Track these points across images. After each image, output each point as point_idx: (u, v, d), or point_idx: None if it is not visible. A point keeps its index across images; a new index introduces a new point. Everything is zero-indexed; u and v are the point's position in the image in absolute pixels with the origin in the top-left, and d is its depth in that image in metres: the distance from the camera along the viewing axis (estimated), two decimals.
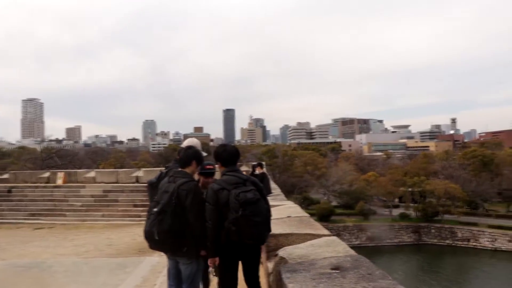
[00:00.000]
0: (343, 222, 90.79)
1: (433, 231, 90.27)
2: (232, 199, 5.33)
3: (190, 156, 6.09)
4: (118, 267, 12.53)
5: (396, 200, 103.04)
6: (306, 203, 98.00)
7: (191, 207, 5.58)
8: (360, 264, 4.47)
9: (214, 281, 7.82)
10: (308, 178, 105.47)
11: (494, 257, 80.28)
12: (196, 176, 6.77)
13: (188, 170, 5.99)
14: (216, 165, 6.27)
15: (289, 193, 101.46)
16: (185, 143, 6.98)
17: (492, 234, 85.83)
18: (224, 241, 5.46)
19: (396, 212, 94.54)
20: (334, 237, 6.16)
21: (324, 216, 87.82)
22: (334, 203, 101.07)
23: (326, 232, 6.76)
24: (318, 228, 7.20)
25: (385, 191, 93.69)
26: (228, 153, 6.01)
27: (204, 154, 6.69)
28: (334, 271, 4.34)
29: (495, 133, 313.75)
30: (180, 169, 6.02)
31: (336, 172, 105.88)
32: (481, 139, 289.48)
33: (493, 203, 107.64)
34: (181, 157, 6.14)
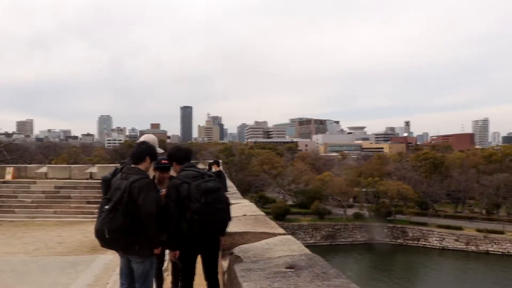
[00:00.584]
0: (299, 221, 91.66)
1: (385, 230, 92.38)
2: (193, 189, 5.48)
3: (143, 152, 5.92)
4: (69, 266, 12.16)
5: (351, 200, 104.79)
6: (262, 201, 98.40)
7: (143, 205, 5.44)
8: (315, 263, 4.48)
9: (168, 280, 7.72)
10: (264, 177, 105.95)
11: (441, 256, 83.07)
12: (151, 172, 6.64)
13: (141, 166, 5.83)
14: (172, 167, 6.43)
15: (245, 191, 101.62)
16: (141, 139, 6.80)
17: (441, 233, 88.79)
18: (187, 233, 5.51)
19: (350, 211, 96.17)
20: (289, 236, 6.18)
21: (279, 215, 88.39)
22: (289, 202, 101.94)
23: (281, 231, 6.77)
24: (273, 226, 7.21)
25: (340, 191, 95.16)
26: (182, 152, 6.21)
27: (160, 151, 6.57)
28: (289, 270, 4.34)
29: (445, 137, 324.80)
30: (133, 166, 5.86)
31: (292, 171, 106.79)
32: (433, 142, 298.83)
33: (442, 204, 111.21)
34: (134, 153, 5.93)
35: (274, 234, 6.41)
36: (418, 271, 75.57)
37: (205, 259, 6.00)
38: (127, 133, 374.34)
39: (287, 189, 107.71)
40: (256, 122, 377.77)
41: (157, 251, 5.73)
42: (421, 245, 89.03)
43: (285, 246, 5.46)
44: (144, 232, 5.50)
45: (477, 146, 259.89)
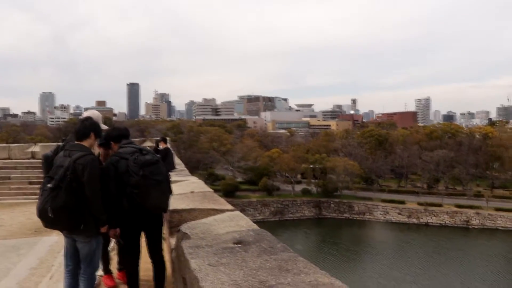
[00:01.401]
0: (248, 197, 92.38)
1: (332, 205, 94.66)
2: (131, 164, 5.44)
3: (87, 128, 5.71)
4: (10, 250, 11.64)
5: (299, 176, 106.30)
6: (211, 179, 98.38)
7: (88, 182, 5.28)
8: (263, 238, 4.50)
9: (114, 260, 7.58)
10: (213, 154, 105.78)
11: (385, 228, 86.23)
12: (96, 149, 6.46)
13: (85, 143, 5.62)
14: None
15: (194, 169, 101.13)
16: (85, 115, 6.55)
17: (385, 207, 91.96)
18: (127, 208, 5.45)
19: (298, 187, 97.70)
20: (237, 212, 6.18)
21: (229, 192, 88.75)
22: (239, 179, 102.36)
23: (229, 207, 6.76)
24: (221, 203, 7.19)
25: (288, 167, 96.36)
26: (118, 130, 6.18)
27: (104, 127, 6.37)
28: (236, 245, 4.34)
29: (390, 114, 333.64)
30: (76, 143, 5.66)
31: (241, 148, 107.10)
32: (378, 119, 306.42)
33: (386, 179, 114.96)
34: (77, 129, 5.70)
35: (222, 211, 6.39)
36: (364, 243, 78.19)
37: (148, 236, 5.94)
38: (71, 111, 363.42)
39: (236, 166, 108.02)
40: (205, 99, 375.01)
41: (103, 229, 5.59)
42: (366, 219, 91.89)
43: (233, 222, 5.46)
44: (89, 210, 5.35)
45: (420, 124, 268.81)
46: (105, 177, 5.53)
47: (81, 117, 6.62)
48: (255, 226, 5.09)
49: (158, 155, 6.00)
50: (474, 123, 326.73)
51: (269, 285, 3.20)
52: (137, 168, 5.37)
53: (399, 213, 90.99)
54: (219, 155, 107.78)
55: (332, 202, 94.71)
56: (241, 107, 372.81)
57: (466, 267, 65.34)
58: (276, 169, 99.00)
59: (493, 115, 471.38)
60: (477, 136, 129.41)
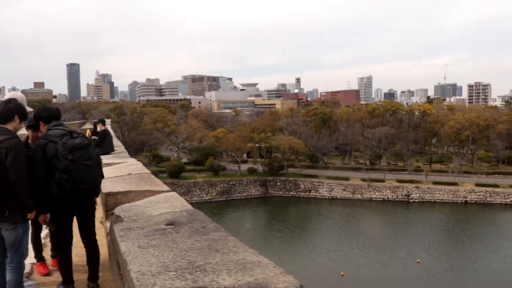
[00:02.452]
0: (194, 178, 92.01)
1: (278, 184, 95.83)
2: (59, 147, 5.21)
3: (11, 110, 5.40)
4: None
5: (245, 155, 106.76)
6: (156, 160, 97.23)
7: (12, 167, 5.00)
8: (195, 218, 4.44)
9: (48, 247, 7.32)
10: (158, 136, 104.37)
11: (331, 205, 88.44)
12: (24, 132, 6.18)
13: (9, 126, 5.31)
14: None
15: (139, 151, 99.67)
16: (8, 97, 6.19)
17: (330, 184, 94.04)
18: (57, 193, 5.25)
19: (244, 167, 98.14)
20: (173, 193, 6.08)
21: (174, 173, 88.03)
22: (184, 160, 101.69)
23: (165, 188, 6.65)
24: (158, 184, 7.06)
25: (234, 147, 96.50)
26: (48, 110, 5.89)
27: (29, 109, 6.07)
28: (168, 226, 4.26)
29: (334, 93, 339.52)
30: None
31: (186, 129, 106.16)
32: (322, 98, 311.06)
33: (331, 157, 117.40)
34: (0, 112, 5.43)
35: (158, 192, 6.28)
36: (311, 219, 80.00)
37: (79, 220, 5.76)
38: (6, 92, 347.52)
39: (181, 146, 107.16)
40: (148, 80, 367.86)
41: (30, 215, 5.34)
42: (312, 196, 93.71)
43: (167, 203, 5.37)
44: (14, 196, 5.10)
45: (362, 102, 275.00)
46: (32, 161, 5.29)
47: (3, 99, 6.27)
48: (189, 207, 5.02)
49: (93, 138, 5.82)
50: (414, 101, 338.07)
51: (197, 265, 3.16)
52: (66, 152, 5.16)
53: (343, 190, 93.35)
54: (163, 136, 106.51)
55: (278, 180, 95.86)
56: (186, 87, 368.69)
57: (410, 238, 68.36)
58: (222, 149, 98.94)
59: (431, 93, 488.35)
60: (417, 113, 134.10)
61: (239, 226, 75.67)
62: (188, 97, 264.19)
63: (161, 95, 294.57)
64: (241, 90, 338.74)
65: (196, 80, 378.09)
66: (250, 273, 2.95)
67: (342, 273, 51.64)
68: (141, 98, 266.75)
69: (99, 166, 5.56)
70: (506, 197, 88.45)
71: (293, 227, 74.87)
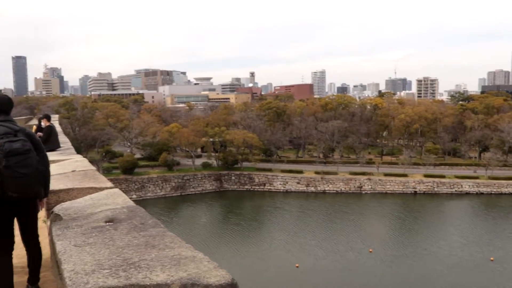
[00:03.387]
0: (148, 174, 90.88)
1: (233, 178, 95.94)
2: None
3: None
4: None
5: (199, 150, 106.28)
6: (109, 156, 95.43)
7: None
8: (135, 215, 4.41)
9: None
10: (110, 131, 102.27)
11: (285, 198, 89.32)
12: None
13: None
14: None
15: (90, 146, 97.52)
16: None
17: (284, 178, 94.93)
18: None
19: (199, 162, 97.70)
20: (116, 190, 6.00)
21: (127, 169, 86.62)
22: (138, 156, 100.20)
23: (109, 184, 6.56)
24: (102, 181, 6.95)
25: (188, 141, 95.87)
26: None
27: None
28: (107, 223, 4.22)
29: (288, 87, 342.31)
30: None
31: (139, 124, 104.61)
32: (276, 92, 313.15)
33: (285, 150, 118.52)
34: None
35: (101, 189, 6.18)
36: (266, 212, 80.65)
37: (19, 223, 5.50)
38: None
39: (134, 142, 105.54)
40: (100, 74, 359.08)
41: None
42: (267, 190, 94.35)
43: (109, 199, 5.30)
44: None
45: (316, 96, 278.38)
46: None
47: None
48: (130, 203, 4.98)
49: (38, 134, 5.56)
50: (366, 95, 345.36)
51: (132, 262, 3.15)
52: (1, 157, 4.75)
53: (298, 183, 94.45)
54: (116, 132, 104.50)
55: (233, 174, 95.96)
56: (139, 82, 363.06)
57: (364, 228, 70.21)
58: (176, 144, 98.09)
59: (383, 87, 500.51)
60: (368, 107, 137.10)
61: (195, 221, 75.42)
62: (141, 91, 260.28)
63: (114, 90, 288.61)
64: (195, 84, 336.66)
65: (149, 74, 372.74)
66: (184, 268, 2.97)
67: (297, 265, 52.38)
68: (92, 92, 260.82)
69: (37, 174, 5.09)
70: (452, 187, 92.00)
71: (250, 220, 75.35)
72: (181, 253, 3.25)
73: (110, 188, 6.19)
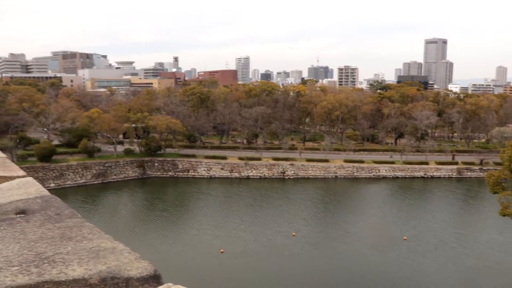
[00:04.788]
0: (67, 161, 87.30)
1: (156, 164, 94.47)
2: None
3: None
4: None
5: (121, 136, 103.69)
6: (23, 143, 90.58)
7: None
8: (50, 205, 4.13)
9: None
10: (24, 116, 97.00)
11: (209, 184, 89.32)
12: None
13: None
14: None
15: (3, 133, 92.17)
16: None
17: (208, 164, 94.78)
18: None
19: (121, 148, 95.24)
20: (29, 178, 5.61)
21: (45, 156, 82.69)
22: (56, 142, 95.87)
23: (21, 173, 6.13)
24: (13, 169, 6.48)
25: (109, 127, 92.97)
26: None
27: None
28: (18, 215, 3.92)
29: (212, 72, 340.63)
30: None
31: (56, 109, 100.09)
32: (200, 77, 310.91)
33: (209, 136, 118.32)
34: None
35: (12, 178, 5.76)
36: (190, 198, 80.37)
37: None
38: None
39: (52, 128, 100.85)
40: (12, 55, 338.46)
41: None
42: (190, 176, 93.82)
43: (21, 189, 4.94)
44: None
45: (240, 82, 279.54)
46: None
47: None
48: (45, 193, 4.67)
49: None
50: (289, 82, 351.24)
51: (46, 257, 2.93)
52: None
53: (221, 169, 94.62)
54: (31, 117, 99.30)
55: (156, 161, 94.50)
56: (56, 64, 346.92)
57: (290, 212, 71.84)
58: (97, 129, 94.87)
59: (305, 75, 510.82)
60: (291, 94, 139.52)
61: (119, 209, 73.78)
62: (59, 74, 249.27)
63: (28, 72, 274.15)
64: (117, 68, 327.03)
65: (67, 57, 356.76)
66: (103, 260, 2.80)
67: (222, 250, 52.65)
68: (3, 75, 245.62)
69: None
70: (370, 171, 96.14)
71: (177, 206, 75.01)
72: (100, 244, 3.06)
73: (23, 176, 5.78)
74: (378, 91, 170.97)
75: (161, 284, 2.65)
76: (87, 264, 2.77)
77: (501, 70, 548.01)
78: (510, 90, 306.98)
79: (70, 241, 3.16)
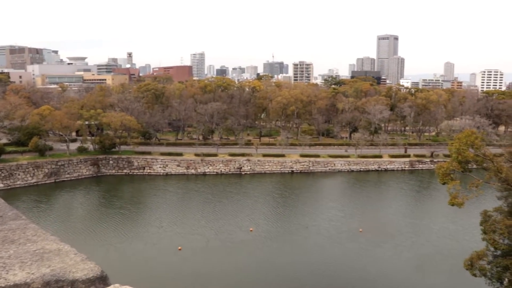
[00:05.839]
0: (16, 160, 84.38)
1: (111, 162, 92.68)
2: None
3: None
4: None
5: (74, 134, 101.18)
6: None
7: None
8: None
9: None
10: None
11: (166, 180, 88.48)
12: None
13: None
14: None
15: None
16: None
17: (164, 160, 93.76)
18: None
19: (74, 146, 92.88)
20: None
21: None
22: (4, 141, 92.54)
23: None
24: None
25: (61, 125, 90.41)
26: None
27: None
28: None
29: (166, 68, 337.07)
30: None
31: (4, 106, 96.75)
32: (155, 73, 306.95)
33: (165, 133, 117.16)
34: None
35: None
36: (147, 195, 79.36)
37: None
38: None
39: None
40: None
41: None
42: (146, 173, 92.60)
43: None
44: None
45: (195, 78, 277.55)
46: None
47: None
48: None
49: None
50: (245, 78, 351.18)
51: None
52: None
53: (178, 165, 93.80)
54: None
55: (110, 158, 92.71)
56: (3, 60, 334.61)
57: (249, 206, 72.14)
58: (48, 127, 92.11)
59: (261, 70, 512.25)
60: (247, 89, 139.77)
61: (73, 209, 71.94)
62: (6, 70, 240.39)
63: None
64: (69, 64, 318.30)
65: (15, 51, 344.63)
66: (47, 263, 2.71)
67: (179, 248, 52.25)
68: None
69: None
70: (326, 165, 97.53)
71: (127, 203, 73.70)
72: (44, 246, 2.96)
73: None
74: (333, 86, 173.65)
75: (108, 285, 2.59)
76: (29, 267, 2.67)
77: (449, 66, 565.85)
78: (458, 85, 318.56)
79: (13, 244, 3.03)
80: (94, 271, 2.63)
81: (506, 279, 25.19)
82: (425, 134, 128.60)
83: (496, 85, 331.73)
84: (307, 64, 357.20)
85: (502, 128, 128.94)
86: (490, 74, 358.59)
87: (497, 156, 26.31)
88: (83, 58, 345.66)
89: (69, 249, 2.88)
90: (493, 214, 26.89)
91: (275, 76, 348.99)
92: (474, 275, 26.49)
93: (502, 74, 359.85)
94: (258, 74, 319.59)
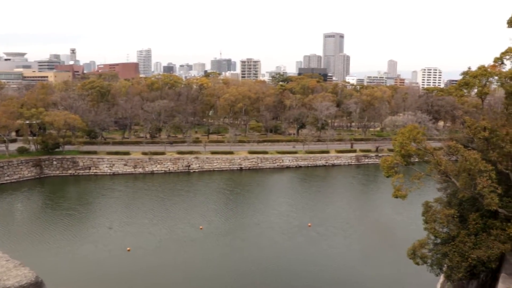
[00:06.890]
0: None
1: (55, 163, 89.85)
2: None
3: None
4: None
5: (13, 134, 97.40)
6: None
7: None
8: None
9: None
10: None
11: (113, 180, 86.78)
12: None
13: None
14: None
15: None
16: None
17: (110, 160, 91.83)
18: None
19: (13, 146, 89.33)
20: None
21: None
22: None
23: None
24: None
25: (0, 124, 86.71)
26: None
27: None
28: None
29: (112, 65, 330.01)
30: None
31: None
32: (100, 70, 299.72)
33: (111, 132, 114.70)
34: None
35: None
36: (94, 196, 77.34)
37: None
38: None
39: None
40: None
41: None
42: (92, 173, 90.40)
43: None
44: None
45: (141, 75, 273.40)
46: None
47: None
48: None
49: None
50: (192, 75, 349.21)
51: None
52: None
53: (125, 164, 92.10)
54: None
55: (54, 159, 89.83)
56: None
57: (199, 203, 71.93)
58: None
59: (208, 67, 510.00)
60: (195, 86, 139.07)
61: (16, 212, 69.19)
62: None
63: None
64: (6, 60, 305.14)
65: None
66: None
67: (128, 249, 51.32)
68: None
69: None
70: (274, 162, 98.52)
71: (73, 204, 71.56)
72: None
73: None
74: (280, 83, 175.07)
75: None
76: None
77: (392, 63, 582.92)
78: (400, 82, 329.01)
79: None
80: (28, 277, 2.53)
81: (445, 265, 26.25)
82: (370, 129, 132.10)
83: (435, 83, 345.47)
84: (255, 61, 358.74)
85: (441, 123, 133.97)
86: (430, 72, 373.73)
87: (437, 150, 27.26)
88: (22, 54, 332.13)
89: (0, 255, 2.75)
90: (433, 205, 27.97)
91: (223, 73, 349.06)
92: (417, 263, 27.41)
93: (441, 72, 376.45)
94: (205, 71, 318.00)
